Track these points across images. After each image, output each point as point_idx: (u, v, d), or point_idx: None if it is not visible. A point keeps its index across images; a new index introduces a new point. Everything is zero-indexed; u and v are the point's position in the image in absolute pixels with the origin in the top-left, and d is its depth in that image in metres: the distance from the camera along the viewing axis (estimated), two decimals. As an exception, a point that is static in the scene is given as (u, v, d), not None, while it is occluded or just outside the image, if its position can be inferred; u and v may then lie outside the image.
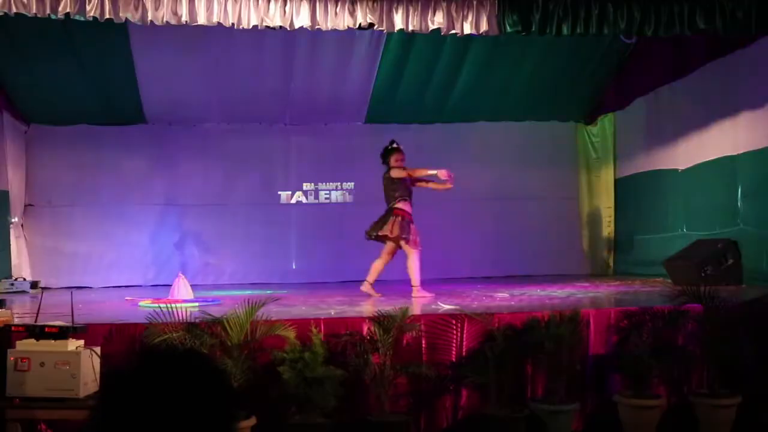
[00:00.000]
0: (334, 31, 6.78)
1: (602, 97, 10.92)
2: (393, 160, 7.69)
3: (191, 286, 7.50)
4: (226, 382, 1.40)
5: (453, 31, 6.81)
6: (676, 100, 9.14)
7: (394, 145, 7.81)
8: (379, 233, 7.51)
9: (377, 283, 7.74)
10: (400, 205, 7.54)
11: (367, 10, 6.61)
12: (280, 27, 6.63)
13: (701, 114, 8.57)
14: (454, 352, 5.27)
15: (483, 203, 10.87)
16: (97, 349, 4.53)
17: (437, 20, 6.71)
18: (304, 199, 10.96)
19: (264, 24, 6.53)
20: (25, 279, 9.41)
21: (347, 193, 10.92)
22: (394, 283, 9.59)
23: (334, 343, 5.02)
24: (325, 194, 10.87)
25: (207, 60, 9.59)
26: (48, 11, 6.15)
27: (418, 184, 7.81)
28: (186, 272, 7.99)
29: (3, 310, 5.22)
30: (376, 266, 7.64)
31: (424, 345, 5.24)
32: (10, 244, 9.63)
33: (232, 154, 10.61)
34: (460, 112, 10.78)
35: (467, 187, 10.78)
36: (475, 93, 10.38)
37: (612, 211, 10.84)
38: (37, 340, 4.36)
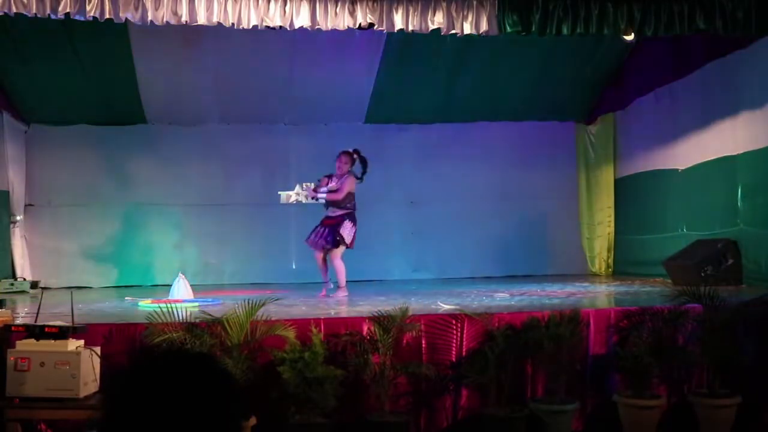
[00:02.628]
0: (334, 31, 6.78)
1: (602, 97, 10.91)
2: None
3: (191, 286, 7.50)
4: (233, 386, 1.39)
5: (453, 31, 6.81)
6: (676, 100, 9.14)
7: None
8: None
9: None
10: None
11: (367, 10, 6.61)
12: (280, 27, 6.63)
13: (701, 114, 8.57)
14: (454, 352, 5.27)
15: (483, 203, 10.87)
16: (97, 349, 4.53)
17: (437, 20, 6.71)
18: (303, 200, 10.93)
19: (264, 24, 6.54)
20: (25, 279, 9.41)
21: (347, 193, 10.91)
22: (396, 282, 9.62)
23: (334, 343, 5.02)
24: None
25: (207, 60, 9.59)
26: (48, 11, 6.16)
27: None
28: (186, 272, 7.98)
29: (3, 310, 5.23)
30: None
31: (424, 345, 5.24)
32: (10, 244, 9.64)
33: (232, 154, 10.60)
34: (460, 112, 10.78)
35: (467, 187, 10.83)
36: (475, 93, 10.37)
37: (612, 211, 10.83)
38: (37, 340, 4.36)
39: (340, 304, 6.99)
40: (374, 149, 10.40)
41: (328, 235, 7.57)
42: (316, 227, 7.72)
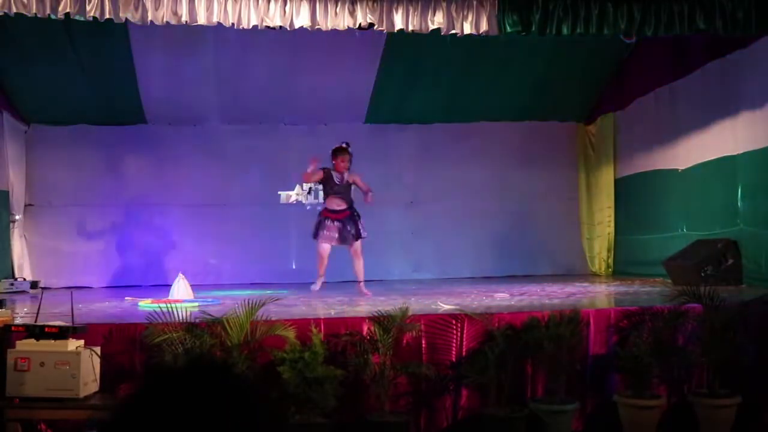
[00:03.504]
0: (334, 31, 6.78)
1: (602, 97, 10.91)
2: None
3: (191, 286, 7.49)
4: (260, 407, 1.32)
5: (453, 31, 6.80)
6: (676, 100, 9.14)
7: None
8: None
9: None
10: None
11: (367, 10, 6.61)
12: (280, 27, 6.63)
13: (701, 114, 8.57)
14: (454, 352, 5.27)
15: (483, 203, 10.87)
16: (97, 349, 4.53)
17: (437, 20, 6.71)
18: (303, 199, 10.95)
19: (264, 24, 6.54)
20: (25, 279, 9.41)
21: (347, 193, 10.91)
22: (396, 282, 9.62)
23: (334, 343, 5.02)
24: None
25: (207, 60, 9.59)
26: (48, 11, 6.16)
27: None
28: (186, 272, 7.98)
29: (3, 310, 5.22)
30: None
31: (424, 345, 5.24)
32: (10, 244, 9.64)
33: (232, 154, 10.60)
34: (460, 112, 10.78)
35: (467, 187, 10.83)
36: (476, 93, 10.37)
37: (612, 211, 10.82)
38: (37, 340, 4.36)
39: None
40: (374, 149, 10.45)
41: (353, 227, 7.66)
42: (327, 223, 7.67)
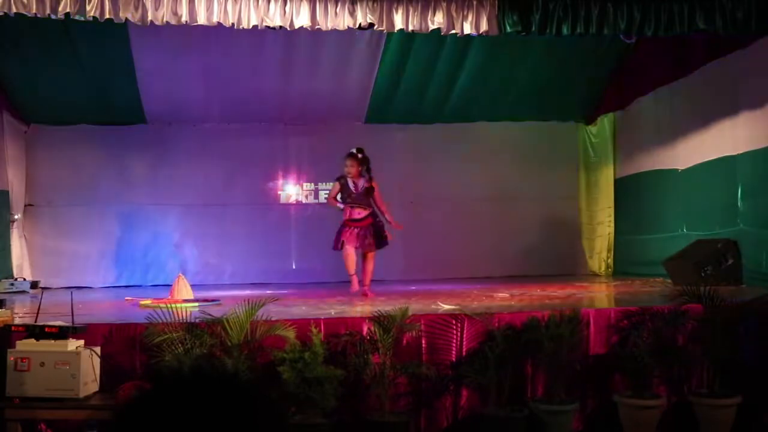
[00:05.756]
0: (334, 31, 6.78)
1: (602, 97, 10.91)
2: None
3: (191, 286, 7.49)
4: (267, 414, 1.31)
5: (453, 31, 6.81)
6: (676, 100, 9.14)
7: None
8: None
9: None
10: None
11: (367, 10, 6.61)
12: (280, 27, 6.63)
13: (701, 114, 8.57)
14: (454, 352, 5.27)
15: (483, 203, 10.88)
16: (97, 349, 4.54)
17: (437, 20, 6.71)
18: (303, 199, 10.96)
19: (264, 24, 6.54)
20: (25, 279, 9.41)
21: (347, 193, 10.90)
22: (396, 282, 9.61)
23: (334, 343, 5.02)
24: (325, 194, 10.85)
25: (207, 60, 9.59)
26: (48, 11, 6.16)
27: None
28: (186, 272, 7.99)
29: (3, 310, 5.22)
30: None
31: (424, 345, 5.24)
32: (10, 244, 9.64)
33: (232, 154, 10.61)
34: (460, 112, 10.78)
35: (467, 187, 10.83)
36: (475, 93, 10.38)
37: (612, 211, 10.83)
38: (37, 340, 4.37)
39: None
40: (374, 149, 10.42)
41: (372, 237, 7.60)
42: (347, 230, 7.58)
